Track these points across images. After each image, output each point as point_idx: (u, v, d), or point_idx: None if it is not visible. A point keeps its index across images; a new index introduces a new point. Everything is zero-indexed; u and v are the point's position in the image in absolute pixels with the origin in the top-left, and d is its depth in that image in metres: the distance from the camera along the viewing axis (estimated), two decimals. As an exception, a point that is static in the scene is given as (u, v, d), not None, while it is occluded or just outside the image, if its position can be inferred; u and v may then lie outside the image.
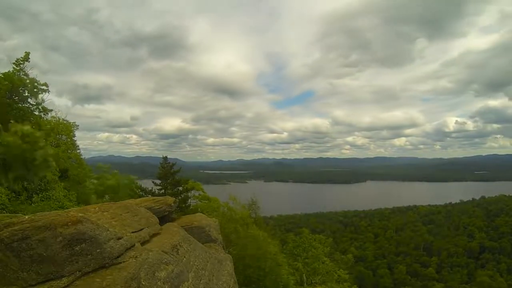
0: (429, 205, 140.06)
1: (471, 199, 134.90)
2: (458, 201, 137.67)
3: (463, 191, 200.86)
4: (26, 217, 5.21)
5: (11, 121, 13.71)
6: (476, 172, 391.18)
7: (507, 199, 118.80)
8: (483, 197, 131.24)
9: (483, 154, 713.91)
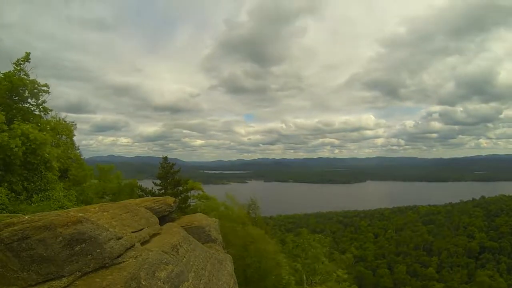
0: (429, 205, 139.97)
1: (471, 199, 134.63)
2: (458, 201, 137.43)
3: (463, 191, 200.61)
4: (26, 217, 5.21)
5: (15, 121, 13.75)
6: (476, 172, 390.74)
7: (507, 199, 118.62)
8: (483, 197, 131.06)
9: (483, 154, 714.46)
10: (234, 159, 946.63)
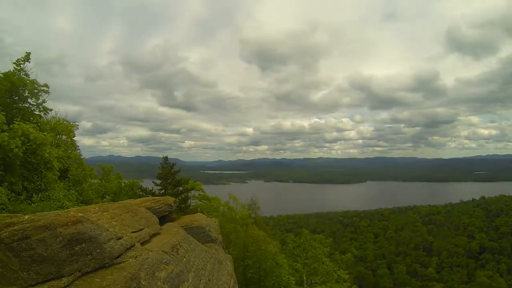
0: (429, 205, 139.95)
1: (471, 199, 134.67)
2: (458, 201, 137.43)
3: (463, 191, 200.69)
4: (26, 217, 5.21)
5: (15, 121, 13.75)
6: (476, 172, 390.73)
7: (507, 199, 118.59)
8: (483, 197, 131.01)
9: (483, 154, 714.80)
10: (234, 159, 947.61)
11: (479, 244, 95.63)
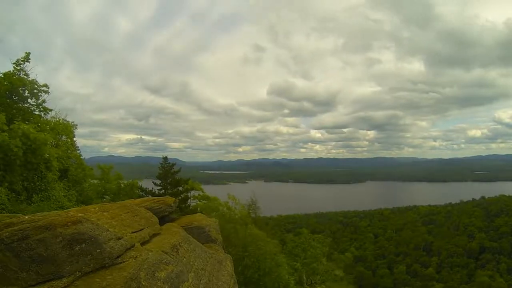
0: (429, 205, 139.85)
1: (471, 199, 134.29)
2: (458, 201, 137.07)
3: (463, 191, 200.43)
4: (26, 217, 5.21)
5: (15, 121, 13.76)
6: (476, 172, 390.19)
7: (507, 199, 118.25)
8: (483, 197, 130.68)
9: (483, 154, 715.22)
10: (234, 159, 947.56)
11: (479, 244, 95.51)
